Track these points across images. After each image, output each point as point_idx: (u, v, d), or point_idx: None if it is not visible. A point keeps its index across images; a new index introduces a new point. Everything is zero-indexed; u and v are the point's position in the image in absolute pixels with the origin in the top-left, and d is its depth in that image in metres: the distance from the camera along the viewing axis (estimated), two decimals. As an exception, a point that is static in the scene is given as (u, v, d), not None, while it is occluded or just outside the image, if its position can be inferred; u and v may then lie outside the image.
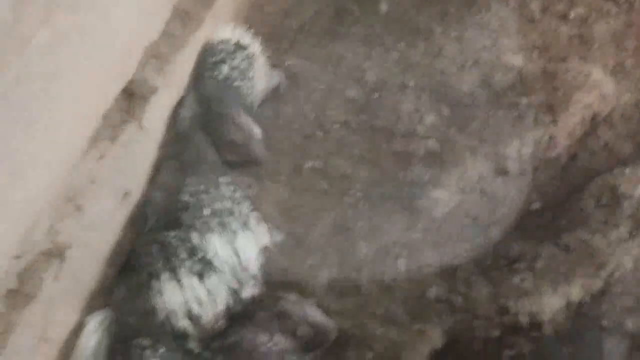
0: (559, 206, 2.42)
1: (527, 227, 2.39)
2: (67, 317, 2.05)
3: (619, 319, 2.02)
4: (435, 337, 2.09)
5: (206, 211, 2.21)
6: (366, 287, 2.24)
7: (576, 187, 2.47)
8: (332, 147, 2.59)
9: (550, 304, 2.05)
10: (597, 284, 2.08)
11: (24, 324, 1.79)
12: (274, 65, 2.78)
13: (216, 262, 2.14)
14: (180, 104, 2.48)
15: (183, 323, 2.06)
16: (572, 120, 2.57)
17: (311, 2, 3.02)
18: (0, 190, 1.67)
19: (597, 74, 2.67)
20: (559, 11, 2.96)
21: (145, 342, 2.04)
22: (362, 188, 2.48)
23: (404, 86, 2.74)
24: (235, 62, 2.58)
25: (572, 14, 2.94)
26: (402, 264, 2.28)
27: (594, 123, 2.65)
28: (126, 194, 2.23)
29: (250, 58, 2.62)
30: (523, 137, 2.51)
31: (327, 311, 2.18)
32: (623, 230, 2.19)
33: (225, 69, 2.55)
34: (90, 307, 2.12)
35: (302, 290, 2.23)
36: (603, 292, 2.10)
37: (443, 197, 2.42)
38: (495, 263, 2.25)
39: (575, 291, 2.07)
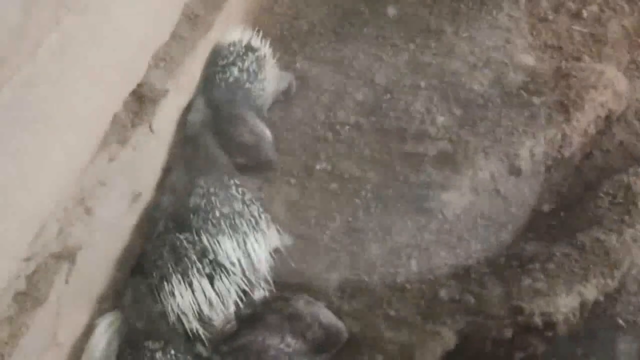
0: (573, 205, 2.39)
1: (541, 227, 2.36)
2: (77, 320, 2.05)
3: (633, 319, 2.00)
4: (448, 338, 2.07)
5: (217, 213, 2.21)
6: (377, 288, 2.22)
7: (590, 186, 2.45)
8: (343, 149, 2.58)
9: (564, 303, 2.02)
10: (612, 284, 2.06)
11: (34, 327, 1.79)
12: (284, 67, 2.78)
13: (227, 264, 2.14)
14: (190, 106, 2.49)
15: (194, 325, 2.06)
16: (586, 119, 2.54)
17: (321, 3, 3.02)
18: (10, 192, 1.68)
19: (610, 72, 2.64)
20: (571, 10, 2.94)
21: (156, 344, 2.04)
22: (373, 189, 2.46)
23: (415, 87, 2.72)
24: (245, 65, 2.58)
25: (585, 13, 2.92)
26: (414, 265, 2.26)
27: (608, 122, 2.63)
28: (136, 197, 2.23)
29: (260, 60, 2.63)
30: (536, 136, 2.48)
31: (338, 313, 2.17)
32: (638, 229, 2.17)
33: (235, 71, 2.55)
34: (100, 310, 2.13)
35: (313, 291, 2.22)
36: (618, 292, 2.08)
37: (455, 198, 2.40)
38: (509, 263, 2.22)
39: (590, 291, 2.05)
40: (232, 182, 2.31)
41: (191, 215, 2.20)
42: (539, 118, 2.53)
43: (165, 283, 2.08)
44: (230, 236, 2.18)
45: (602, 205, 2.28)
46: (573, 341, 2.03)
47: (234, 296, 2.12)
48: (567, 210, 2.40)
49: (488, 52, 2.78)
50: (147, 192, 2.31)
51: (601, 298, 2.06)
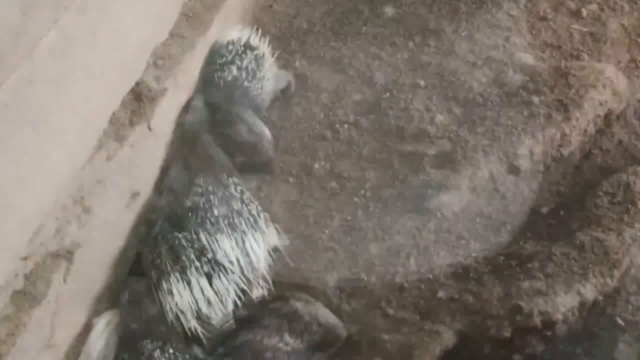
0: (572, 205, 2.39)
1: (540, 226, 2.36)
2: (75, 319, 2.05)
3: (633, 318, 1.99)
4: (447, 337, 2.07)
5: (215, 212, 2.20)
6: (376, 287, 2.22)
7: (590, 186, 2.44)
8: (342, 148, 2.58)
9: (564, 303, 2.01)
10: (611, 283, 2.06)
11: (31, 326, 1.78)
12: (283, 66, 2.78)
13: (225, 263, 2.13)
14: (188, 105, 2.49)
15: (192, 324, 2.06)
16: (585, 118, 2.54)
17: (320, 2, 3.03)
18: (8, 191, 1.68)
19: (610, 71, 2.64)
20: (571, 9, 2.94)
21: (154, 343, 2.03)
22: (372, 188, 2.45)
23: (415, 86, 2.72)
24: (244, 63, 2.58)
25: (584, 12, 2.92)
26: (412, 264, 2.26)
27: (607, 121, 2.62)
28: (134, 196, 2.23)
29: (259, 59, 2.62)
30: (535, 135, 2.48)
31: (336, 312, 2.16)
32: (638, 228, 2.17)
33: (234, 70, 2.55)
34: (98, 309, 2.12)
35: (312, 291, 2.21)
36: (617, 291, 2.07)
37: (454, 197, 2.39)
38: (508, 262, 2.22)
39: (589, 290, 2.04)
40: (230, 180, 2.31)
41: (189, 214, 2.19)
42: (538, 117, 2.52)
43: (164, 282, 2.08)
44: (229, 235, 2.18)
45: (602, 205, 2.28)
46: (572, 341, 2.02)
47: (233, 295, 2.11)
48: (567, 209, 2.39)
49: (487, 51, 2.78)
50: (146, 191, 2.30)
51: (600, 297, 2.06)
